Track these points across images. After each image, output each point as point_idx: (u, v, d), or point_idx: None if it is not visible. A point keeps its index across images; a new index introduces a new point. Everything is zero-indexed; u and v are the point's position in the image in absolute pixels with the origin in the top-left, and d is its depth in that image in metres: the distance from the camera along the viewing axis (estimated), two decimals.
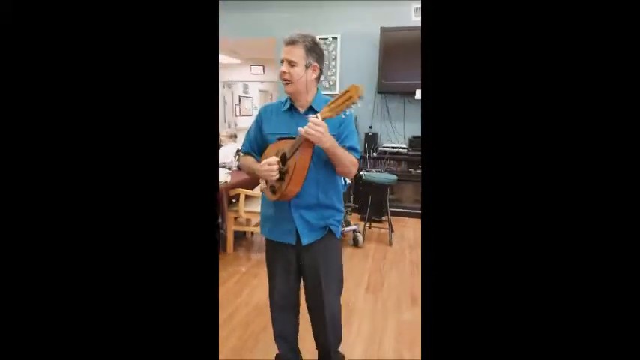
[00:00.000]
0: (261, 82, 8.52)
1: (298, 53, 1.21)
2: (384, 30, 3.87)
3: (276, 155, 1.22)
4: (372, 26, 3.95)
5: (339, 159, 1.20)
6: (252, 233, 3.40)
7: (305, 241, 1.30)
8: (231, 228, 2.93)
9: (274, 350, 1.74)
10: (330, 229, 1.33)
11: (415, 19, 3.94)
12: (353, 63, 4.20)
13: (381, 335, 1.90)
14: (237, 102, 8.82)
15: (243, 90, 9.04)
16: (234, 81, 8.26)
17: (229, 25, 4.32)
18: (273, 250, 1.39)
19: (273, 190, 1.25)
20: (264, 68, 7.61)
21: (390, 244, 3.16)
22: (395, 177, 3.27)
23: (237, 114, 8.87)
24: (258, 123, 1.36)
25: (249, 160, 1.37)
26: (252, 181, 3.15)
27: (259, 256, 2.93)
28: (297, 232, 1.30)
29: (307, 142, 1.14)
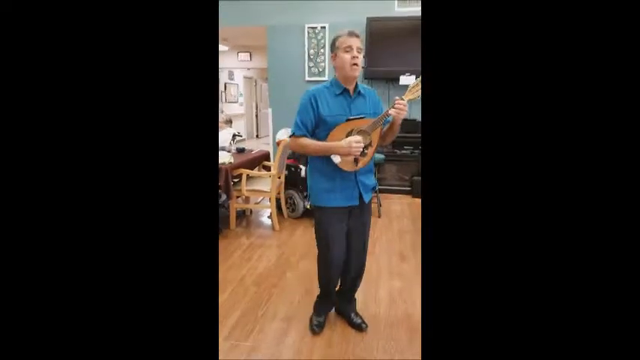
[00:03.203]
0: (248, 69, 8.62)
1: (361, 45, 1.50)
2: (369, 20, 4.12)
3: (350, 133, 1.49)
4: (359, 16, 4.19)
5: (398, 130, 1.57)
6: (250, 211, 3.66)
7: (366, 200, 1.65)
8: (234, 206, 3.18)
9: (287, 301, 2.05)
10: (374, 188, 1.71)
11: (398, 10, 4.20)
12: None
13: (377, 285, 2.23)
14: (222, 89, 8.90)
15: (229, 77, 9.12)
16: (220, 68, 8.33)
17: (220, 12, 4.46)
18: (333, 216, 1.61)
19: (356, 162, 1.52)
20: (251, 55, 7.72)
21: (379, 216, 3.49)
22: (383, 156, 3.58)
23: (224, 100, 8.96)
24: (313, 106, 1.52)
25: (312, 141, 1.54)
26: (252, 162, 3.40)
27: (259, 231, 3.20)
28: (360, 194, 1.61)
29: (383, 119, 1.49)
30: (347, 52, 1.47)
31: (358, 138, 1.46)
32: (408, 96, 1.46)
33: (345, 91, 1.54)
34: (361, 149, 1.46)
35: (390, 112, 1.45)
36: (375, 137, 1.51)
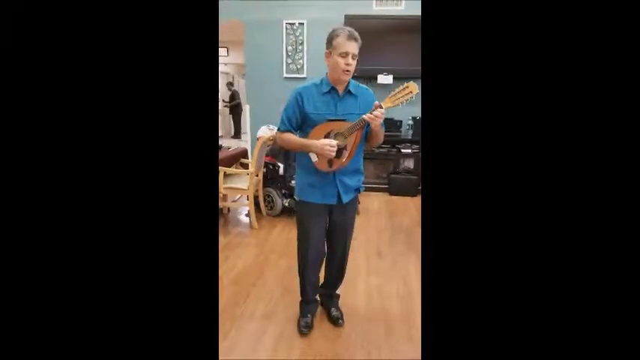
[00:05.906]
0: (225, 64, 8.47)
1: (358, 50, 1.47)
2: (348, 17, 4.13)
3: (329, 134, 1.51)
4: (337, 13, 4.18)
5: (380, 135, 1.56)
6: (228, 209, 3.61)
7: (345, 200, 1.64)
8: None
9: (265, 299, 2.04)
10: (358, 189, 1.70)
11: (376, 9, 4.23)
12: (319, 48, 4.36)
13: (355, 281, 2.25)
14: None
15: None
16: None
17: None
18: (312, 211, 1.66)
19: (331, 164, 1.56)
20: (228, 50, 7.60)
21: (358, 213, 3.51)
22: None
23: None
24: (299, 103, 1.55)
25: (293, 137, 1.59)
26: (229, 159, 3.36)
27: (237, 230, 3.17)
28: (338, 194, 1.62)
29: (362, 124, 1.47)
30: (342, 57, 1.45)
31: (333, 142, 1.48)
32: (387, 103, 1.45)
33: (333, 89, 1.54)
34: (334, 152, 1.48)
35: (364, 116, 1.44)
36: (351, 141, 1.51)
